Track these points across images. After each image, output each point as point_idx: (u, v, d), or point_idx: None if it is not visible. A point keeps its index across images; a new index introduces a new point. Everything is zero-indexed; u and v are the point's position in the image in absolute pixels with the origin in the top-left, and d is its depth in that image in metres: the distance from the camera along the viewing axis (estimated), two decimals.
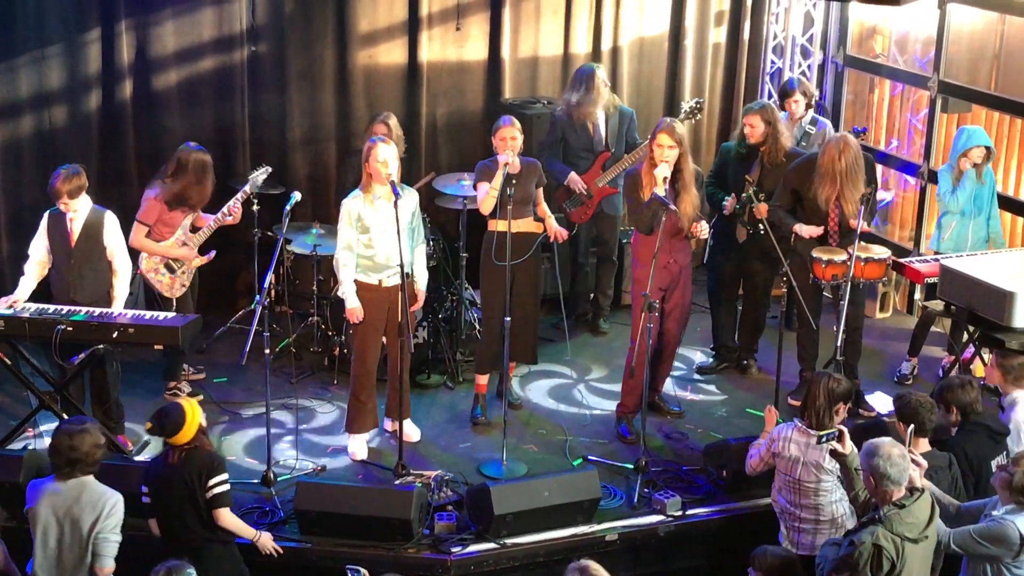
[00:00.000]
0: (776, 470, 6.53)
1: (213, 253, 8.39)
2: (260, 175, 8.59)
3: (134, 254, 8.00)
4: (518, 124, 8.01)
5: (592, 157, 9.23)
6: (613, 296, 9.85)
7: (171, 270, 8.21)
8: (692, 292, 8.20)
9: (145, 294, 8.25)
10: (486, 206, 7.91)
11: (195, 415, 6.14)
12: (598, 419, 8.39)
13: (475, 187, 8.16)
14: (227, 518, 6.22)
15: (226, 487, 6.19)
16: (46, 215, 7.69)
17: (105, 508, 5.83)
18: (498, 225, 7.88)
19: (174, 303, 8.23)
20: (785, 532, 6.52)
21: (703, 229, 7.87)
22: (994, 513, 5.84)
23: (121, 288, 7.70)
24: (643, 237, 7.85)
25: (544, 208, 8.25)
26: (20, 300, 7.52)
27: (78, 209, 7.56)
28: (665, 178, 7.65)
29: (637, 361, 7.63)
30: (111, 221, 7.69)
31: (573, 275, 9.71)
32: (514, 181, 7.82)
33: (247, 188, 8.45)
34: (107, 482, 5.98)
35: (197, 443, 6.16)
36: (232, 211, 8.34)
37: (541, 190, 8.22)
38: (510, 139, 7.91)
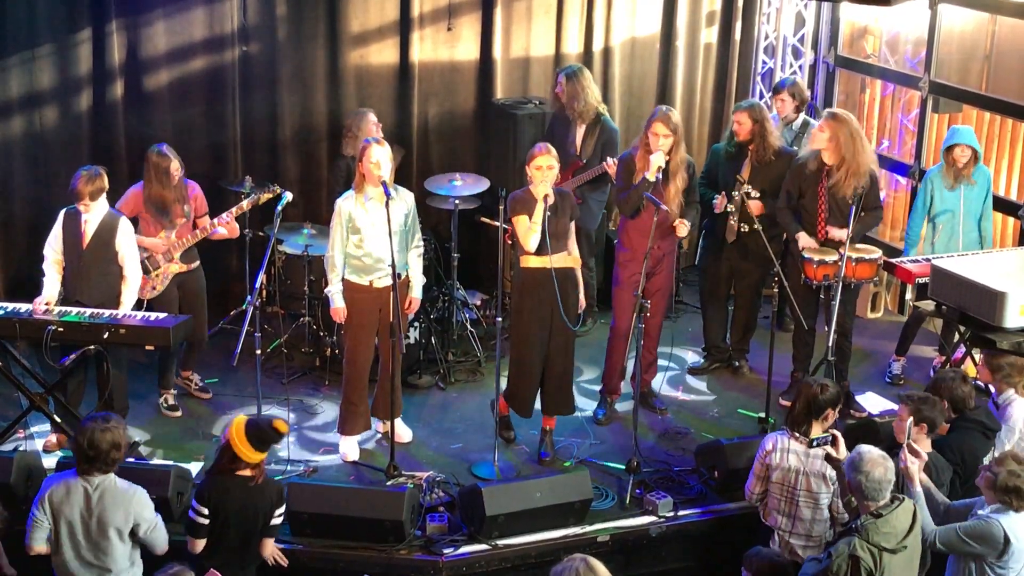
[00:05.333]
0: (768, 487, 6.36)
1: (197, 264, 8.31)
2: (263, 195, 8.36)
3: None
4: (555, 152, 7.51)
5: (567, 159, 9.21)
6: (595, 301, 9.71)
7: (145, 270, 8.10)
8: (674, 279, 8.27)
9: None
10: (530, 243, 7.44)
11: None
12: (589, 420, 8.38)
13: (511, 220, 7.55)
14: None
15: (282, 518, 6.23)
16: (62, 213, 7.66)
17: (134, 506, 5.82)
18: (530, 261, 7.50)
19: (145, 304, 8.14)
20: (778, 539, 6.40)
21: (683, 227, 7.87)
22: (980, 512, 5.85)
23: (129, 294, 7.66)
24: (630, 223, 7.98)
25: (573, 246, 7.74)
26: (52, 301, 7.50)
27: (95, 211, 7.54)
28: (660, 167, 7.71)
29: (615, 347, 7.94)
30: (125, 226, 7.65)
31: None
32: (549, 214, 7.43)
33: (244, 203, 8.32)
34: None
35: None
36: (223, 223, 8.23)
37: (574, 224, 7.73)
38: (546, 168, 7.42)
